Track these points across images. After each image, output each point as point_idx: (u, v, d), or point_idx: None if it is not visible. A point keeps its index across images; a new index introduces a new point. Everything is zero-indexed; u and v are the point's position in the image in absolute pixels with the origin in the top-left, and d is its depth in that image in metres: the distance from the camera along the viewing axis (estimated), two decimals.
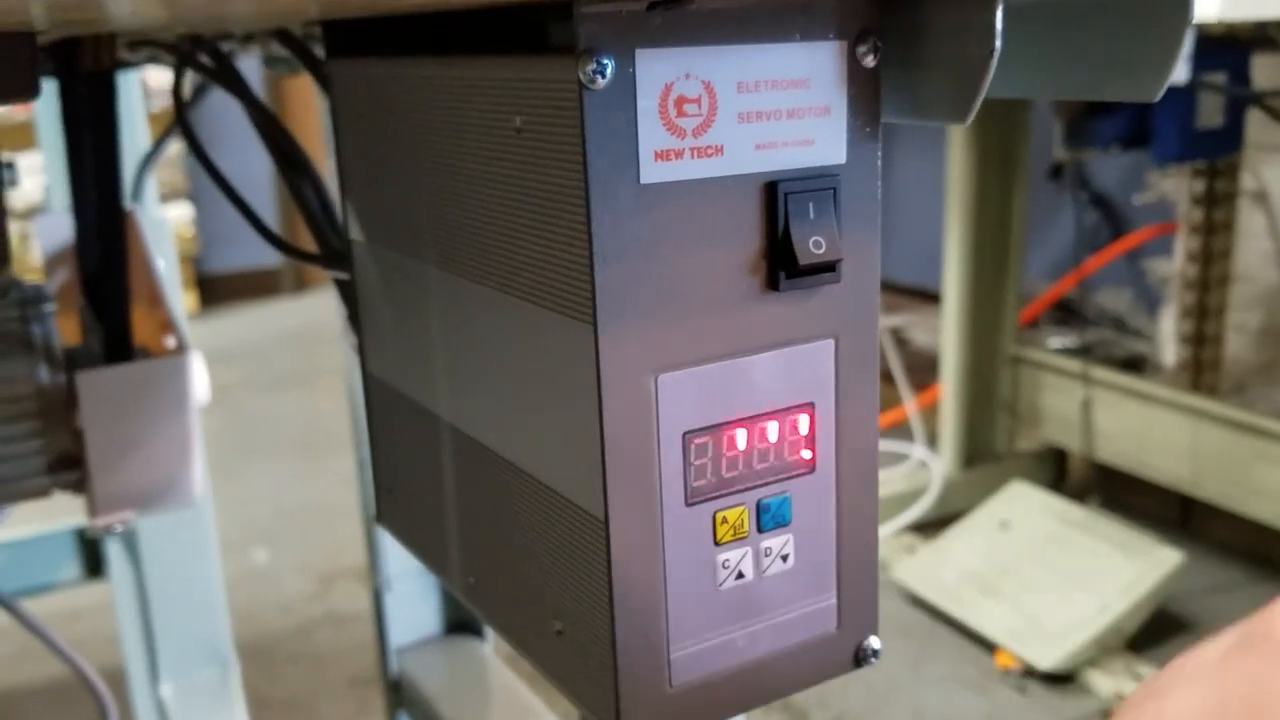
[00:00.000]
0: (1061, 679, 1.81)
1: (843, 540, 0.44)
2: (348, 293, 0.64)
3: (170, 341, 0.85)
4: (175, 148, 4.05)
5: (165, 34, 0.74)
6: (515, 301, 0.42)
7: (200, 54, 0.72)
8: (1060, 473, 2.45)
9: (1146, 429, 2.12)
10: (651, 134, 0.37)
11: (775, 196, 0.39)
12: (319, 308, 4.37)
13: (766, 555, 0.42)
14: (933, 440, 2.45)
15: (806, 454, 0.42)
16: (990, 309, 2.33)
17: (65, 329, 0.83)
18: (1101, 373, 2.23)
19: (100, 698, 0.97)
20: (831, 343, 0.42)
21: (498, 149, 0.41)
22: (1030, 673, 1.82)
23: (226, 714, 1.46)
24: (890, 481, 2.32)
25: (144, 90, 1.48)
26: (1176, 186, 2.32)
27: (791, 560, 0.43)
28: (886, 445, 2.38)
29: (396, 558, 1.30)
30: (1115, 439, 2.20)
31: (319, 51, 0.70)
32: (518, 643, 0.48)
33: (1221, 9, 1.22)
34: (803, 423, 0.42)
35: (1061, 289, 2.84)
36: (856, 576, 0.45)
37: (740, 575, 0.42)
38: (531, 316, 0.41)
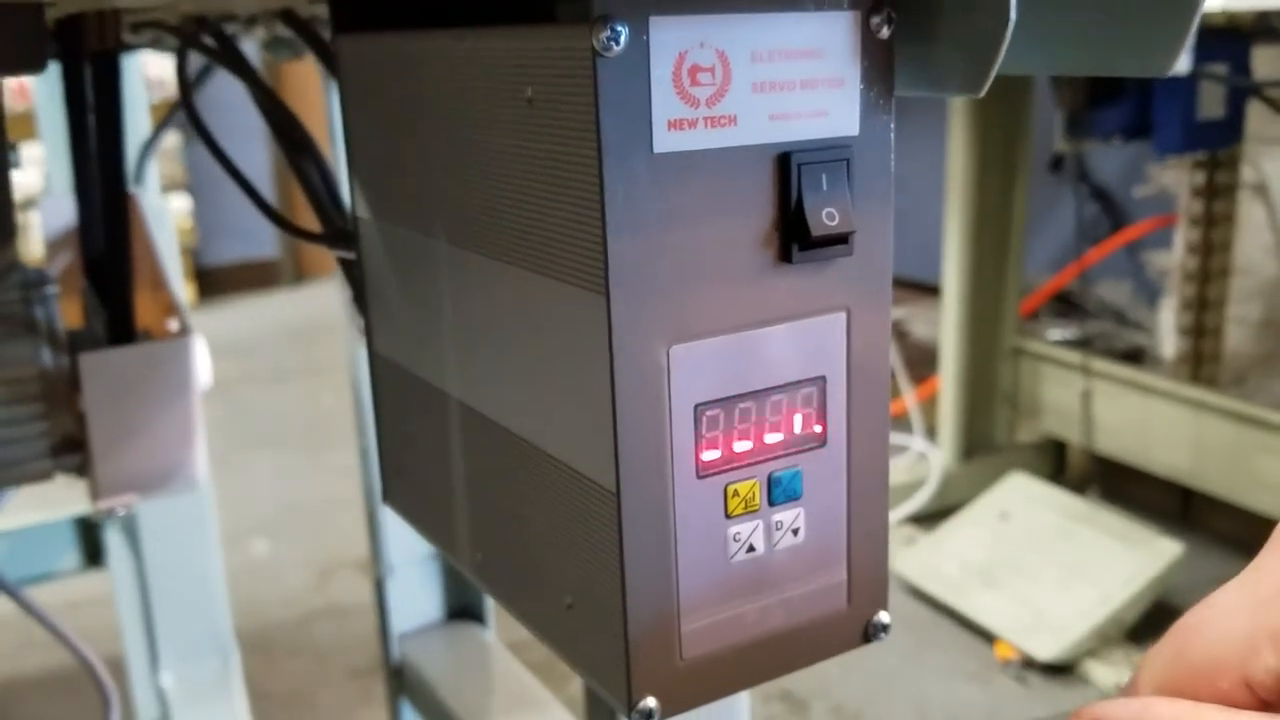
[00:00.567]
0: (1061, 670, 1.81)
1: (853, 515, 0.44)
2: (352, 273, 0.63)
3: (173, 325, 0.85)
4: (173, 140, 4.04)
5: (169, 15, 0.74)
6: (527, 274, 0.42)
7: (204, 35, 0.72)
8: (1060, 464, 2.46)
9: (1146, 421, 2.13)
10: (665, 103, 0.37)
11: (788, 168, 0.39)
12: (318, 299, 4.37)
13: (777, 529, 0.42)
14: (932, 432, 2.45)
15: (818, 428, 0.42)
16: (990, 301, 2.33)
17: (68, 312, 0.82)
18: (1101, 365, 2.23)
19: (103, 687, 0.97)
20: (844, 315, 0.42)
21: (509, 120, 0.41)
22: (1030, 664, 1.83)
23: (227, 703, 1.46)
24: (890, 473, 2.32)
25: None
26: (1177, 179, 2.32)
27: (802, 534, 0.43)
28: None
29: (399, 544, 1.30)
30: (1115, 431, 2.20)
31: (323, 33, 0.70)
32: (526, 618, 0.48)
33: None
34: (814, 396, 0.42)
35: (1061, 281, 2.84)
36: (866, 551, 0.45)
37: (751, 549, 0.42)
38: (543, 289, 0.41)
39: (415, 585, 1.32)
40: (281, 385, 3.46)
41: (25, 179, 2.52)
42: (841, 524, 0.44)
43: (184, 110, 0.73)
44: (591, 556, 0.41)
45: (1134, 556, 1.92)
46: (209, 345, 0.83)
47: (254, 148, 4.04)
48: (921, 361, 2.73)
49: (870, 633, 0.46)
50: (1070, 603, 1.87)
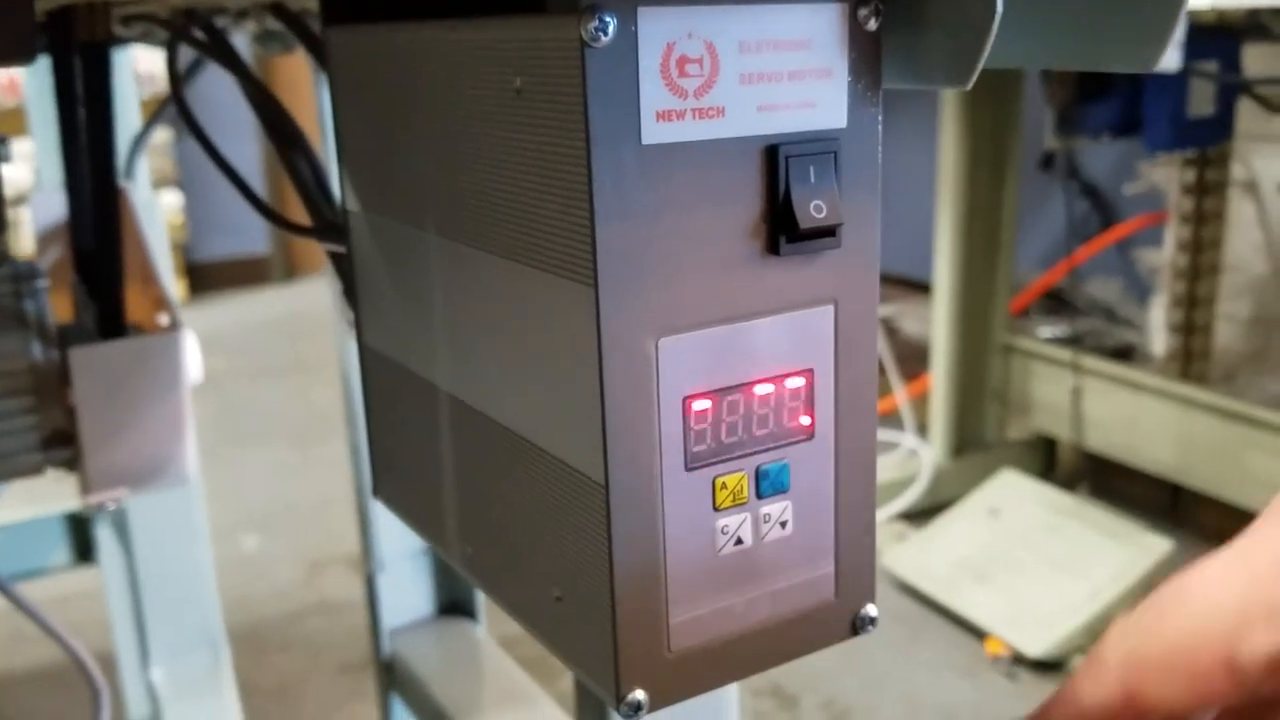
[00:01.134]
0: (1051, 666, 1.82)
1: (841, 507, 0.44)
2: (343, 266, 0.63)
3: (163, 319, 0.84)
4: (164, 135, 4.03)
5: (159, 8, 0.73)
6: (516, 266, 0.42)
7: (194, 29, 0.72)
8: (1050, 461, 2.46)
9: (1136, 417, 2.13)
10: (653, 94, 0.37)
11: (776, 159, 0.39)
12: (308, 295, 4.36)
13: (765, 521, 0.42)
14: (923, 429, 2.45)
15: (805, 420, 0.42)
16: (980, 298, 2.33)
17: (58, 306, 0.82)
18: (1091, 361, 2.23)
19: (94, 681, 0.97)
20: (831, 308, 0.42)
21: (498, 111, 0.41)
22: (1020, 659, 1.83)
23: (217, 698, 1.46)
24: (881, 470, 2.32)
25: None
26: (1167, 176, 2.32)
27: (790, 527, 0.43)
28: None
29: (389, 539, 1.30)
30: (1105, 427, 2.21)
31: (313, 26, 0.70)
32: (516, 611, 0.48)
33: None
34: (802, 389, 0.42)
35: (1052, 278, 2.85)
36: (854, 544, 0.45)
37: (739, 541, 0.42)
38: (532, 280, 0.41)
39: (406, 580, 1.32)
40: (272, 381, 3.45)
41: (16, 174, 2.51)
42: (829, 516, 0.44)
43: (175, 104, 0.73)
44: (580, 549, 0.41)
45: (1123, 553, 1.93)
46: (199, 340, 0.83)
47: (245, 143, 4.03)
48: (912, 358, 2.73)
49: (858, 625, 0.46)
50: (1060, 599, 1.88)
